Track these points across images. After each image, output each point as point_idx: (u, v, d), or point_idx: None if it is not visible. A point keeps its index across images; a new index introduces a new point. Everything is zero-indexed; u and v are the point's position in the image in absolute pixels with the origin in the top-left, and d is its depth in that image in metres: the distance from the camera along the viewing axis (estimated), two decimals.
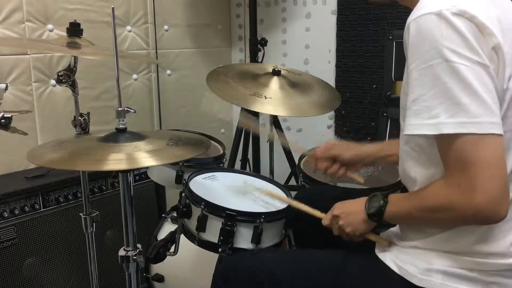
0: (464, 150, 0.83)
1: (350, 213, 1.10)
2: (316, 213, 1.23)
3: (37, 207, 1.71)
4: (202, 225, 1.24)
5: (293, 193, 1.48)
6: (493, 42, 0.85)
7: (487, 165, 0.82)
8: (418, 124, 0.88)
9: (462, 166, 0.84)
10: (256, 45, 2.31)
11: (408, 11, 1.00)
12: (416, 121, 0.88)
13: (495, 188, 0.82)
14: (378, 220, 1.04)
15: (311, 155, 1.37)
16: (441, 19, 0.84)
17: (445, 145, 0.87)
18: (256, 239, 1.22)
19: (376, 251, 1.11)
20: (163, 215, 1.87)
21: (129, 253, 1.17)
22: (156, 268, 1.72)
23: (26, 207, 1.67)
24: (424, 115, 0.86)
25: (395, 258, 1.04)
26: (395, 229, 1.14)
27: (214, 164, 1.72)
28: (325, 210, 1.24)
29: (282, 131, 2.36)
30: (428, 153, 0.96)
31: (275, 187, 1.47)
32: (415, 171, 1.02)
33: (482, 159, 0.82)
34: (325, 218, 1.17)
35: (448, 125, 0.84)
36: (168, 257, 1.38)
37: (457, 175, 0.85)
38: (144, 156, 1.04)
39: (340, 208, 1.13)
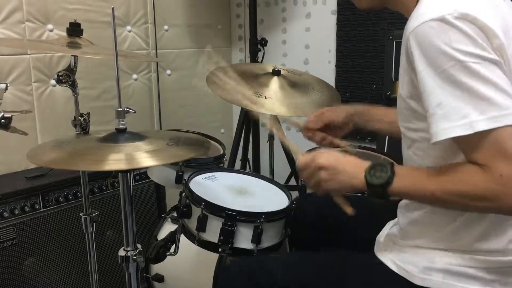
0: (503, 142, 0.82)
1: (341, 173, 1.00)
2: (296, 149, 1.17)
3: (37, 207, 1.70)
4: (202, 225, 1.24)
5: (293, 193, 1.48)
6: (497, 43, 0.85)
7: None
8: (450, 127, 0.85)
9: (503, 157, 0.82)
10: (256, 45, 2.31)
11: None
12: (447, 125, 0.85)
13: None
14: (381, 192, 0.94)
15: (305, 129, 1.32)
16: (445, 24, 0.84)
17: (476, 142, 0.85)
18: (257, 239, 1.22)
19: (376, 251, 1.11)
20: (163, 215, 1.87)
21: (129, 253, 1.16)
22: (156, 268, 1.72)
23: (26, 207, 1.67)
24: (454, 117, 0.85)
25: (394, 258, 1.03)
26: (395, 229, 1.14)
27: (214, 164, 1.71)
28: (328, 218, 1.22)
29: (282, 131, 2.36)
30: (431, 155, 0.96)
31: (276, 187, 1.47)
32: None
33: None
34: (302, 161, 1.05)
35: (480, 122, 0.82)
36: (168, 257, 1.38)
37: (498, 165, 0.83)
38: (144, 156, 1.04)
39: (329, 160, 1.01)
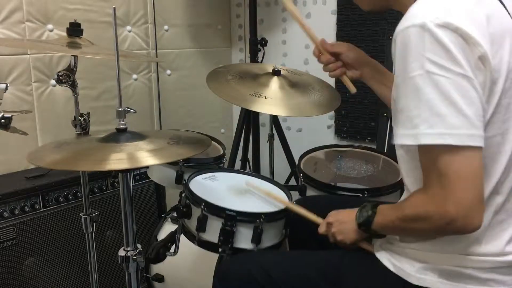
0: (440, 161, 0.85)
1: (343, 222, 1.12)
2: (314, 217, 1.24)
3: (37, 207, 1.70)
4: (202, 225, 1.24)
5: (293, 193, 1.48)
6: (479, 52, 0.85)
7: (460, 177, 0.83)
8: (401, 134, 0.90)
9: (438, 177, 0.85)
10: (256, 45, 2.31)
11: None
12: (400, 131, 0.90)
13: (467, 200, 0.83)
14: (366, 230, 1.05)
15: (319, 43, 1.39)
16: (424, 31, 0.85)
17: (424, 154, 0.89)
18: (256, 239, 1.22)
19: (374, 249, 1.11)
20: (163, 215, 1.87)
21: (129, 253, 1.17)
22: (156, 268, 1.72)
23: (26, 207, 1.67)
24: (407, 124, 0.88)
25: (391, 258, 1.04)
26: None
27: (214, 164, 1.72)
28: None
29: (282, 131, 2.36)
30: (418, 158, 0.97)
31: (275, 187, 1.47)
32: (410, 173, 1.02)
33: (456, 170, 0.83)
34: (321, 226, 1.19)
35: (426, 136, 0.85)
36: (168, 257, 1.38)
37: (433, 185, 0.87)
38: (145, 156, 1.04)
39: (334, 216, 1.16)
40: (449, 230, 0.88)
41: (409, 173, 1.02)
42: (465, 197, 0.83)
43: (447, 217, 0.84)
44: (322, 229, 1.18)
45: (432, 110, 0.84)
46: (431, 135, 0.84)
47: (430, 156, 0.86)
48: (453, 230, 0.87)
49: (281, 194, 1.41)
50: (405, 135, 0.89)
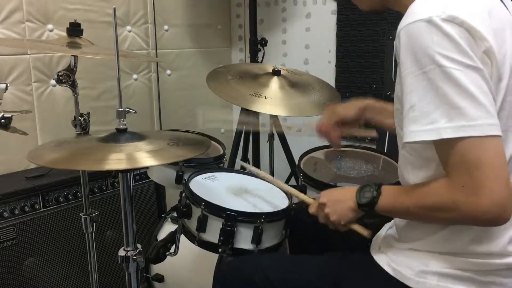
0: (466, 153, 0.83)
1: (338, 201, 1.10)
2: (306, 198, 1.22)
3: (37, 207, 1.71)
4: (202, 225, 1.24)
5: None
6: (485, 46, 0.85)
7: (490, 167, 0.82)
8: (417, 131, 0.87)
9: (466, 168, 0.84)
10: (256, 45, 2.31)
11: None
12: (415, 128, 0.87)
13: (500, 190, 0.82)
14: (368, 210, 1.03)
15: (320, 127, 1.39)
16: (431, 26, 0.84)
17: (445, 149, 0.87)
18: (257, 239, 1.22)
19: (372, 253, 1.11)
20: (163, 215, 1.87)
21: (129, 253, 1.17)
22: (156, 268, 1.72)
23: (26, 207, 1.67)
24: (422, 121, 0.86)
25: (390, 261, 1.04)
26: (391, 231, 1.14)
27: (214, 164, 1.71)
28: None
29: (282, 130, 2.36)
30: (424, 157, 0.97)
31: (275, 186, 1.47)
32: (412, 174, 1.02)
33: (485, 161, 0.82)
34: (312, 206, 1.17)
35: (447, 129, 0.84)
36: (168, 257, 1.38)
37: (461, 176, 0.85)
38: (144, 156, 1.04)
39: (327, 195, 1.13)
40: (479, 222, 0.86)
41: (412, 173, 1.01)
42: (497, 187, 0.82)
43: (479, 209, 0.82)
44: (312, 210, 1.16)
45: (450, 103, 0.83)
46: (452, 129, 0.83)
47: (454, 149, 0.84)
48: (484, 221, 0.85)
49: (279, 194, 1.42)
50: (421, 131, 0.87)
